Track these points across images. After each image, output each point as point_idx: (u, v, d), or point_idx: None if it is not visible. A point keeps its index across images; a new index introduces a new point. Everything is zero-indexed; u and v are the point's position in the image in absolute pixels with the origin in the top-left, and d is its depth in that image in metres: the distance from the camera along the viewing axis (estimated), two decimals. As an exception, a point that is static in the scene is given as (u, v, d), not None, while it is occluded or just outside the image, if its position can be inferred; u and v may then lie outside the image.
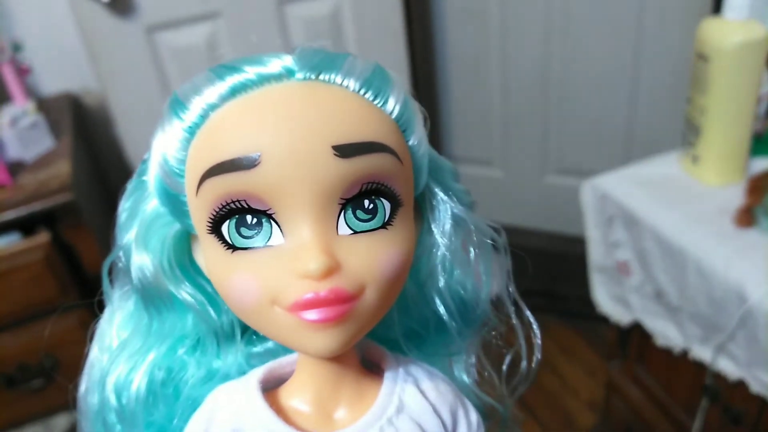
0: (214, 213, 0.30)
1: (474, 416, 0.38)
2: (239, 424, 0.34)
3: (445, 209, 0.36)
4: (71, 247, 1.08)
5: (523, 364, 0.41)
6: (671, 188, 0.96)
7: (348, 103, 0.31)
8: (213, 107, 0.30)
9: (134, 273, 0.35)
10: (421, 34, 1.63)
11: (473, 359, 0.41)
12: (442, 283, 0.37)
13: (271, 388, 0.36)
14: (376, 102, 0.32)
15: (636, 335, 1.09)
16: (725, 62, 0.86)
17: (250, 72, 0.30)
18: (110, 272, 0.38)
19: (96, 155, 1.46)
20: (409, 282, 0.37)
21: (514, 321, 0.41)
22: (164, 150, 0.32)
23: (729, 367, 0.87)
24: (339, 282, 0.29)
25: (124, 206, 0.35)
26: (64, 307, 1.01)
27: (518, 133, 1.75)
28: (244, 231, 0.30)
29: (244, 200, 0.30)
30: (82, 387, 0.39)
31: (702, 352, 0.91)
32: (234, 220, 0.30)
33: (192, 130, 0.31)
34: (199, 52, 1.35)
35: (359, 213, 0.31)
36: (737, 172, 0.94)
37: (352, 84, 0.31)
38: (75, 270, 1.09)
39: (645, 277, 0.98)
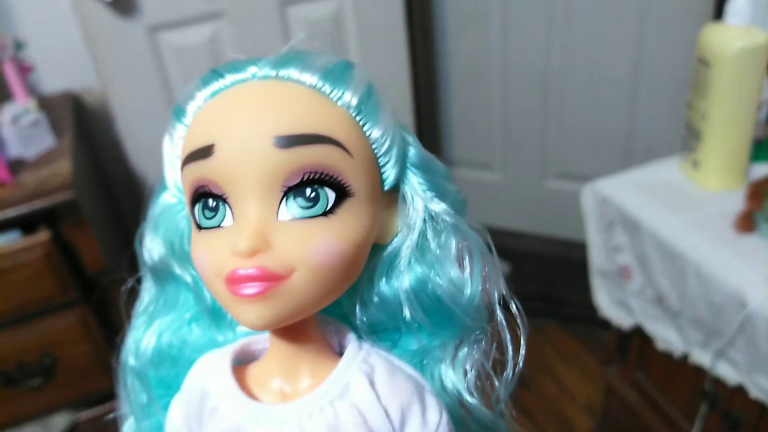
0: (190, 197, 0.35)
1: (434, 417, 0.37)
2: (207, 386, 0.38)
3: (418, 206, 0.37)
4: (71, 246, 1.08)
5: (509, 367, 0.40)
6: (672, 193, 0.97)
7: (297, 97, 0.33)
8: (199, 108, 0.35)
9: (146, 254, 0.41)
10: (423, 37, 1.63)
11: (468, 363, 0.40)
12: (409, 281, 0.38)
13: (245, 361, 0.40)
14: (331, 95, 0.34)
15: (635, 340, 1.09)
16: (726, 67, 0.87)
17: (228, 79, 0.35)
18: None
19: (96, 154, 1.46)
20: (380, 277, 0.38)
21: (502, 324, 0.40)
22: (171, 150, 0.38)
23: (728, 372, 0.87)
24: (265, 261, 0.32)
25: (156, 201, 0.41)
26: (60, 303, 1.01)
27: (518, 137, 1.76)
28: (206, 213, 0.34)
29: (206, 185, 0.34)
30: (123, 348, 0.44)
31: (702, 357, 0.91)
32: (201, 203, 0.34)
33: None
34: (200, 52, 1.36)
35: (300, 200, 0.33)
36: (737, 177, 0.94)
37: (308, 78, 0.34)
38: (75, 268, 1.09)
39: (646, 282, 0.98)
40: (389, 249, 0.38)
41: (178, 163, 0.36)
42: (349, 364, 0.37)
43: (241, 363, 0.39)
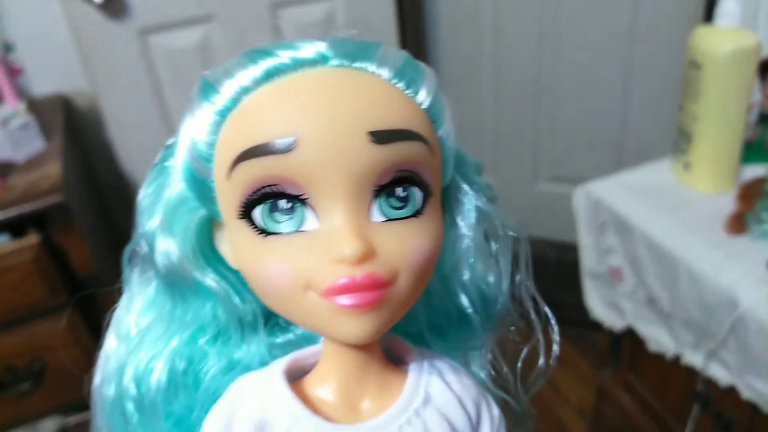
0: (247, 197, 0.30)
1: (496, 410, 0.38)
2: (265, 415, 0.33)
3: (469, 202, 0.37)
4: (61, 249, 1.07)
5: (541, 360, 0.41)
6: (663, 195, 0.97)
7: (382, 90, 0.31)
8: (246, 90, 0.30)
9: (159, 259, 0.34)
10: (414, 41, 1.63)
11: (489, 355, 0.41)
12: (466, 276, 0.37)
13: (293, 379, 0.35)
14: (407, 92, 0.32)
15: (627, 342, 1.09)
16: (717, 70, 0.87)
17: (284, 56, 0.30)
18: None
19: (87, 157, 1.45)
20: (434, 275, 0.37)
21: (533, 316, 0.40)
22: (193, 134, 0.32)
23: (720, 374, 0.87)
24: (374, 268, 0.29)
25: (147, 192, 0.35)
26: (50, 307, 1.00)
27: (510, 140, 1.76)
28: (277, 216, 0.30)
29: (278, 184, 0.30)
30: (97, 379, 0.38)
31: (694, 358, 0.91)
32: (267, 205, 0.30)
33: (223, 114, 0.31)
34: (191, 55, 1.35)
35: (392, 201, 0.31)
36: (728, 179, 0.94)
37: (385, 73, 0.31)
38: (64, 272, 1.08)
39: (637, 283, 0.99)
40: (445, 247, 0.36)
41: (208, 153, 0.31)
42: (420, 371, 0.36)
43: (289, 381, 0.35)
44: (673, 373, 0.99)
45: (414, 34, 1.62)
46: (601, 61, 1.54)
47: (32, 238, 1.04)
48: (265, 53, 0.31)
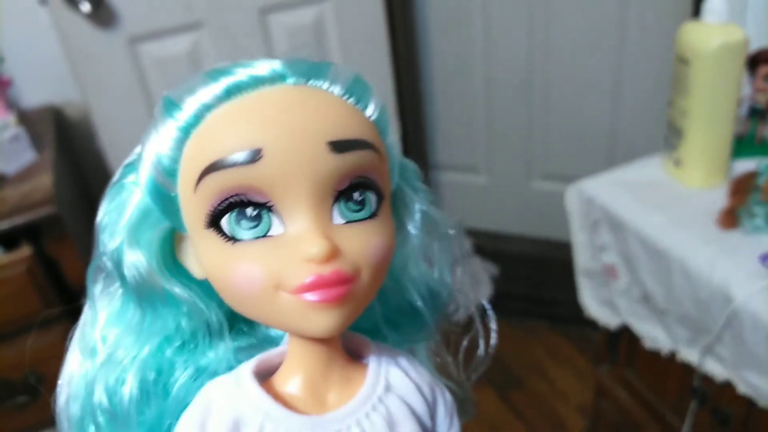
0: (214, 208, 0.32)
1: (448, 395, 0.41)
2: (238, 414, 0.35)
3: (414, 205, 0.40)
4: (54, 261, 1.07)
5: (480, 349, 0.45)
6: (655, 191, 0.97)
7: (337, 104, 0.34)
8: (208, 107, 0.32)
9: (128, 271, 0.35)
10: (405, 41, 1.64)
11: (432, 345, 0.45)
12: (414, 273, 0.41)
13: (261, 379, 0.37)
14: (357, 106, 0.35)
15: (624, 339, 1.09)
16: (705, 65, 0.87)
17: (242, 74, 0.33)
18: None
19: (79, 168, 1.45)
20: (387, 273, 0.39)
21: (472, 309, 0.45)
22: (157, 150, 0.33)
23: (716, 369, 0.87)
24: (339, 265, 0.32)
25: (107, 209, 0.36)
26: (45, 319, 1.00)
27: (503, 139, 1.76)
28: (244, 223, 0.32)
29: (245, 193, 0.32)
30: (62, 398, 0.39)
31: (689, 354, 0.91)
32: (234, 213, 0.32)
33: (186, 130, 0.33)
34: (181, 62, 1.35)
35: (351, 204, 0.34)
36: (720, 174, 0.95)
37: (337, 90, 0.34)
38: (58, 283, 1.08)
39: (631, 280, 0.99)
40: (395, 247, 0.38)
41: (170, 166, 0.33)
42: (379, 361, 0.38)
43: (259, 381, 0.37)
44: (671, 369, 0.99)
45: (404, 35, 1.63)
46: (592, 59, 1.54)
47: (25, 251, 1.04)
48: (224, 72, 0.33)
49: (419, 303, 0.42)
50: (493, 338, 0.45)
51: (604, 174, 1.04)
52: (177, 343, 0.38)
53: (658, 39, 1.43)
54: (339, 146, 0.32)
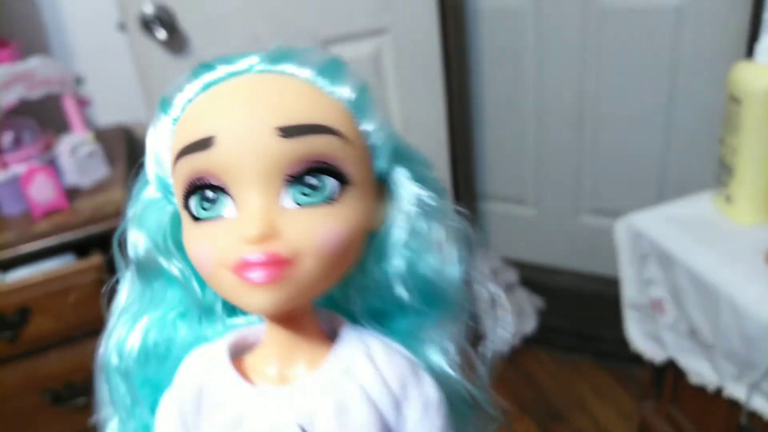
0: (184, 189, 0.35)
1: (429, 390, 0.39)
2: (205, 381, 0.39)
3: (408, 194, 0.39)
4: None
5: (492, 341, 0.43)
6: (705, 227, 0.98)
7: (296, 89, 0.35)
8: (189, 101, 0.36)
9: (129, 249, 0.41)
10: (458, 75, 1.68)
11: (451, 343, 0.42)
12: (402, 264, 0.39)
13: (240, 353, 0.40)
14: (327, 89, 0.36)
15: (670, 374, 1.09)
16: (757, 104, 0.89)
17: (221, 70, 0.36)
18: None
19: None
20: (372, 262, 0.40)
21: (485, 303, 0.43)
22: (155, 142, 0.38)
23: (764, 406, 0.87)
24: (274, 247, 0.33)
25: (132, 193, 0.42)
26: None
27: (552, 172, 1.78)
28: (205, 204, 0.35)
29: (203, 177, 0.35)
30: (102, 348, 0.44)
31: (736, 390, 0.91)
32: (198, 195, 0.35)
33: (175, 122, 0.37)
34: (246, 88, 1.42)
35: (303, 189, 0.34)
36: (771, 212, 0.95)
37: (306, 73, 0.35)
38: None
39: (679, 315, 0.99)
40: (382, 235, 0.39)
41: (165, 156, 0.37)
42: (346, 344, 0.39)
43: (236, 356, 0.40)
44: (716, 405, 0.98)
45: (458, 68, 1.67)
46: (642, 95, 1.56)
47: (95, 259, 1.10)
48: (207, 67, 0.36)
49: (406, 297, 0.40)
50: (508, 334, 0.42)
51: (654, 209, 1.06)
52: (179, 313, 0.42)
53: (709, 76, 1.44)
54: (288, 131, 0.33)
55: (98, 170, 1.22)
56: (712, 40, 1.42)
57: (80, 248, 1.11)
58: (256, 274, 0.33)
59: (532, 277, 1.85)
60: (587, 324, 1.73)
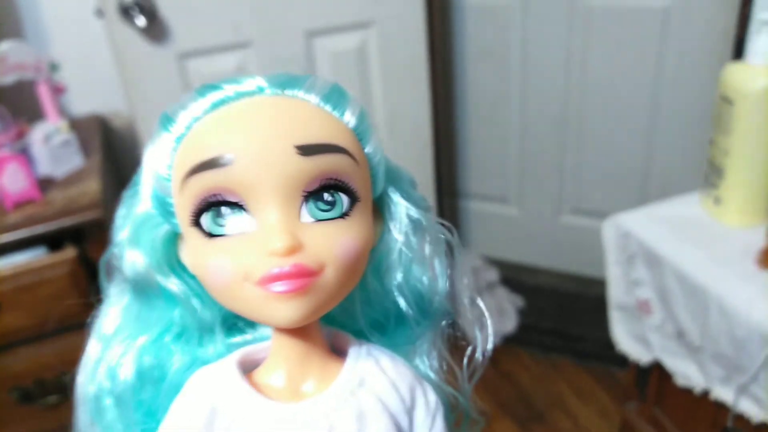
0: (196, 207, 0.35)
1: (432, 397, 0.42)
2: (217, 401, 0.38)
3: (402, 211, 0.42)
4: (96, 264, 1.09)
5: (478, 351, 0.45)
6: (694, 228, 0.97)
7: (309, 111, 0.36)
8: (196, 119, 0.36)
9: (126, 268, 0.40)
10: (443, 70, 1.66)
11: (434, 351, 0.45)
12: (400, 277, 0.42)
13: (246, 371, 0.40)
14: (334, 113, 0.37)
15: (654, 375, 1.08)
16: (749, 105, 0.88)
17: (229, 90, 0.36)
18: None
19: (122, 176, 1.49)
20: (372, 277, 0.42)
21: (469, 315, 0.45)
22: (155, 159, 0.37)
23: (752, 409, 0.86)
24: (301, 259, 0.34)
25: (121, 212, 0.41)
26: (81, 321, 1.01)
27: (535, 172, 1.77)
28: (220, 221, 0.35)
29: (220, 194, 0.35)
30: (80, 376, 0.43)
31: (724, 393, 0.90)
32: (212, 212, 0.35)
33: (179, 140, 0.36)
34: (227, 79, 1.38)
35: (320, 204, 0.36)
36: (760, 213, 0.95)
37: (313, 98, 0.37)
38: (99, 286, 1.10)
39: (666, 316, 0.98)
40: (380, 251, 0.42)
41: (166, 173, 0.37)
42: (357, 357, 0.40)
43: (244, 374, 0.40)
44: (702, 408, 0.98)
45: (443, 64, 1.66)
46: (627, 96, 1.55)
47: (69, 252, 1.07)
48: (213, 87, 0.37)
49: (404, 307, 0.43)
50: (490, 342, 0.45)
51: (642, 209, 1.05)
52: (175, 334, 0.42)
53: (694, 78, 1.44)
54: (307, 149, 0.35)
55: (72, 160, 1.18)
56: (698, 40, 1.42)
57: (53, 241, 1.07)
58: (285, 286, 0.34)
59: (513, 276, 1.84)
60: (567, 324, 1.73)
